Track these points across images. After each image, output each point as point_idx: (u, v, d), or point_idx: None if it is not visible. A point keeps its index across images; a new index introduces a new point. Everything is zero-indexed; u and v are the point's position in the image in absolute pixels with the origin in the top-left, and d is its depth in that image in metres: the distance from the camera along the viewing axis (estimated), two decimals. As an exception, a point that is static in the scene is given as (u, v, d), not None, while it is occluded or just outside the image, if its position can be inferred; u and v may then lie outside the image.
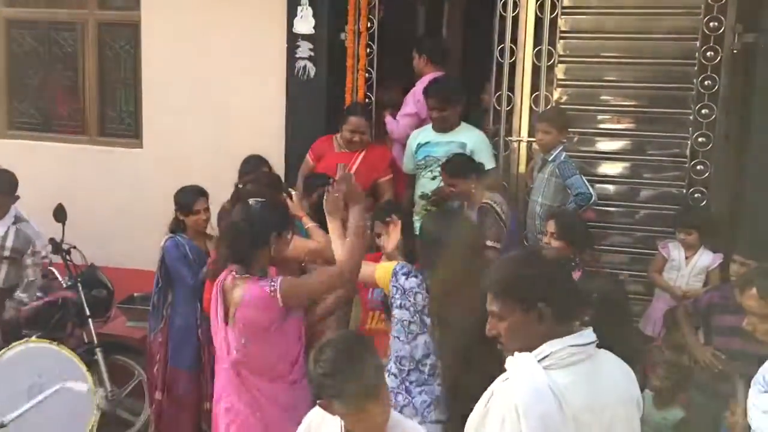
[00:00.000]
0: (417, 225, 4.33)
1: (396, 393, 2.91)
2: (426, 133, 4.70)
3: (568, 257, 3.64)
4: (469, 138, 4.57)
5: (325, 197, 3.08)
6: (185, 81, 5.37)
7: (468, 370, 2.69)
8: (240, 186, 3.78)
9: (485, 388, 1.97)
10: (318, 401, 2.18)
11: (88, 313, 4.56)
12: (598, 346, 1.99)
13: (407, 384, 2.91)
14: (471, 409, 1.97)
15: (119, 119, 5.78)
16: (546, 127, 4.42)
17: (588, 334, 1.96)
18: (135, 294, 5.02)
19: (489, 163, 4.54)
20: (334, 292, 3.24)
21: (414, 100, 4.94)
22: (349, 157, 4.62)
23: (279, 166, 4.55)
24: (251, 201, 3.04)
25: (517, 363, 1.95)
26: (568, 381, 1.90)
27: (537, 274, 1.99)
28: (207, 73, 5.32)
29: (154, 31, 5.43)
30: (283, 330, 2.95)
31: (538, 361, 1.92)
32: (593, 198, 4.29)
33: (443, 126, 4.60)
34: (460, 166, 4.23)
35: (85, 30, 5.66)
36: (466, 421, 1.98)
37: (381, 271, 3.11)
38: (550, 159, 4.41)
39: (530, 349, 1.94)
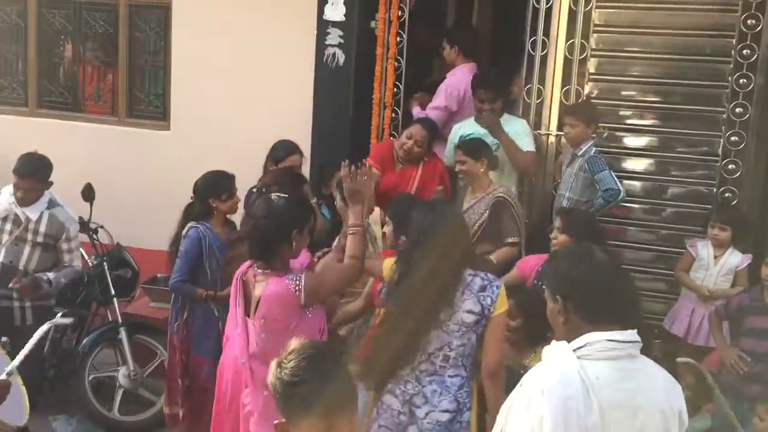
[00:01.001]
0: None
1: (406, 381, 2.90)
2: (468, 126, 4.69)
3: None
4: (511, 127, 4.55)
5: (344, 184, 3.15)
6: (214, 65, 5.38)
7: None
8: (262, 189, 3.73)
9: None
10: (275, 423, 1.86)
11: (113, 292, 4.59)
12: None
13: (417, 373, 2.90)
14: None
15: (147, 101, 5.81)
16: (572, 120, 4.39)
17: (631, 334, 1.95)
18: (158, 275, 5.05)
19: (528, 146, 4.53)
20: (353, 298, 3.23)
21: (446, 94, 4.91)
22: (409, 173, 4.57)
23: (305, 153, 4.54)
24: (273, 196, 3.03)
25: (552, 350, 2.00)
26: (601, 373, 1.90)
27: (566, 270, 2.03)
28: (236, 58, 5.33)
29: (184, 15, 5.44)
30: (305, 325, 2.95)
31: (574, 350, 1.95)
32: (622, 194, 4.25)
33: (485, 120, 4.58)
34: (474, 145, 4.27)
35: (117, 11, 5.68)
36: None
37: (386, 265, 3.12)
38: (579, 153, 4.38)
39: (560, 340, 2.00)
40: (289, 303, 2.89)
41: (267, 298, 2.89)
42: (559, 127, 4.74)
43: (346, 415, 1.83)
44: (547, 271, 2.16)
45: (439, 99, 4.97)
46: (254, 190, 4.00)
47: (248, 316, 2.98)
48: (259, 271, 2.97)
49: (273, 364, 1.88)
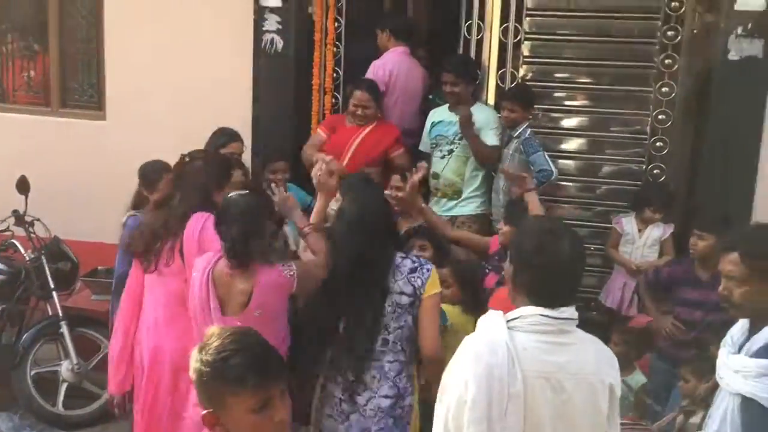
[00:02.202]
0: (431, 205, 4.52)
1: (346, 368, 2.95)
2: (440, 113, 4.78)
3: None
4: (479, 116, 4.61)
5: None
6: (150, 52, 5.29)
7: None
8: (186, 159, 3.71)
9: None
10: (203, 414, 1.78)
11: (52, 285, 4.52)
12: None
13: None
14: None
15: (82, 91, 5.68)
16: (511, 104, 4.50)
17: (566, 311, 2.01)
18: (99, 267, 4.98)
19: (492, 141, 4.60)
20: None
21: (372, 75, 4.97)
22: (358, 130, 4.74)
23: (246, 140, 4.52)
24: (234, 195, 3.03)
25: (486, 319, 2.08)
26: (529, 344, 1.97)
27: (520, 243, 2.10)
28: (173, 45, 5.26)
29: (117, 1, 5.33)
30: (284, 314, 3.03)
31: (508, 321, 2.03)
32: (554, 174, 4.39)
33: (455, 103, 4.66)
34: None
35: (46, -2, 5.53)
36: None
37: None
38: (515, 135, 4.50)
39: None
40: (285, 290, 2.95)
41: (263, 287, 2.90)
42: (496, 109, 4.84)
43: (279, 387, 1.78)
44: (512, 238, 2.26)
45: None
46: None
47: (224, 314, 2.91)
48: (237, 266, 2.93)
49: (194, 351, 1.81)
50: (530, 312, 2.01)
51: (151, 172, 4.01)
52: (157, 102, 5.30)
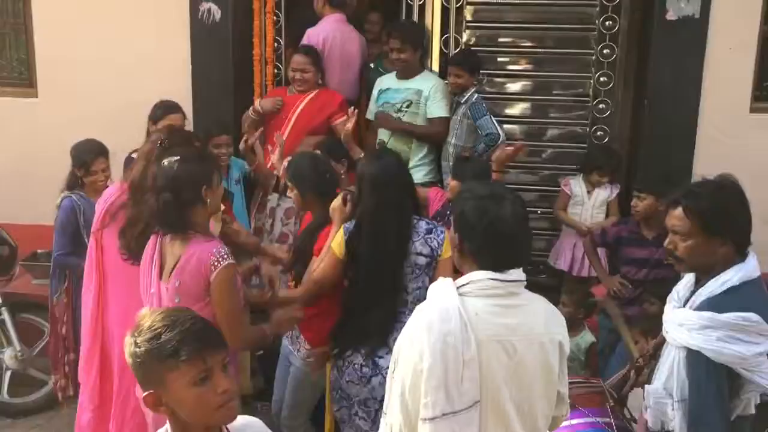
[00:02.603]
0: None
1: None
2: (388, 80, 4.72)
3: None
4: (426, 85, 4.56)
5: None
6: (82, 24, 5.07)
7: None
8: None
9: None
10: (144, 396, 1.74)
11: (-10, 271, 4.36)
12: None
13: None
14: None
15: (11, 68, 5.43)
16: (457, 70, 4.47)
17: (514, 273, 2.03)
18: (38, 251, 4.81)
19: (439, 112, 4.53)
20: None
21: (306, 41, 4.88)
22: (299, 98, 4.68)
23: (186, 113, 4.39)
24: (164, 162, 2.84)
25: (436, 287, 2.08)
26: (480, 309, 1.99)
27: (463, 209, 2.09)
28: (105, 16, 5.04)
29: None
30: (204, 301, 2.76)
31: (458, 287, 2.03)
32: (502, 137, 4.39)
33: (403, 71, 4.60)
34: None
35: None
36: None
37: (335, 244, 3.04)
38: (462, 101, 4.48)
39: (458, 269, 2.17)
40: (203, 274, 2.70)
41: (187, 260, 2.71)
42: (441, 75, 4.81)
43: (219, 358, 1.74)
44: (453, 204, 2.24)
45: (300, 47, 4.94)
46: (132, 156, 3.84)
47: (160, 279, 2.80)
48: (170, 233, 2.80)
49: (126, 337, 1.77)
50: (479, 277, 2.02)
51: (83, 152, 3.89)
52: (91, 77, 5.09)
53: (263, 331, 2.95)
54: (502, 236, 2.02)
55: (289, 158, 3.77)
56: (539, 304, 2.10)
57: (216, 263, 2.69)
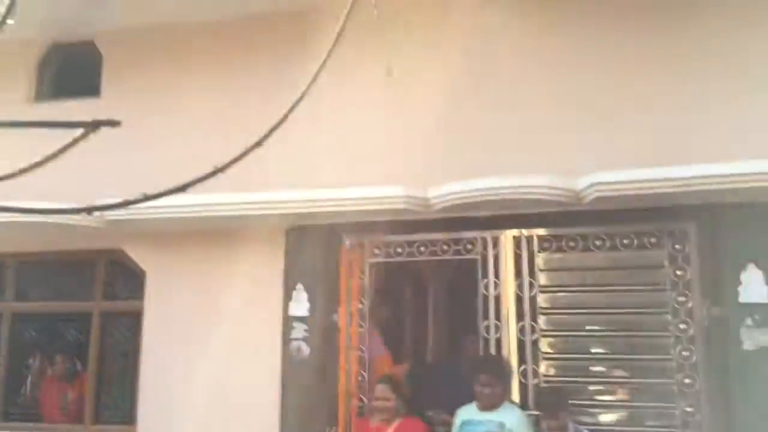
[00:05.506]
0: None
1: None
2: (469, 411, 4.78)
3: None
4: (509, 418, 4.62)
5: None
6: (183, 362, 5.50)
7: None
8: None
9: None
10: None
11: None
12: None
13: None
14: None
15: (115, 406, 5.80)
16: (550, 417, 4.54)
17: None
18: None
19: None
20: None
21: None
22: (382, 430, 4.73)
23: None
24: None
25: None
26: None
27: None
28: (204, 354, 5.45)
29: (155, 318, 5.66)
30: None
31: None
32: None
33: (488, 403, 4.68)
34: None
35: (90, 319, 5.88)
36: None
37: None
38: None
39: None
40: None
41: None
42: (522, 408, 4.82)
43: None
44: None
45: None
46: None
47: None
48: None
49: None
50: None
51: None
52: (188, 410, 5.37)
53: None
54: None
55: None
56: None
57: None
